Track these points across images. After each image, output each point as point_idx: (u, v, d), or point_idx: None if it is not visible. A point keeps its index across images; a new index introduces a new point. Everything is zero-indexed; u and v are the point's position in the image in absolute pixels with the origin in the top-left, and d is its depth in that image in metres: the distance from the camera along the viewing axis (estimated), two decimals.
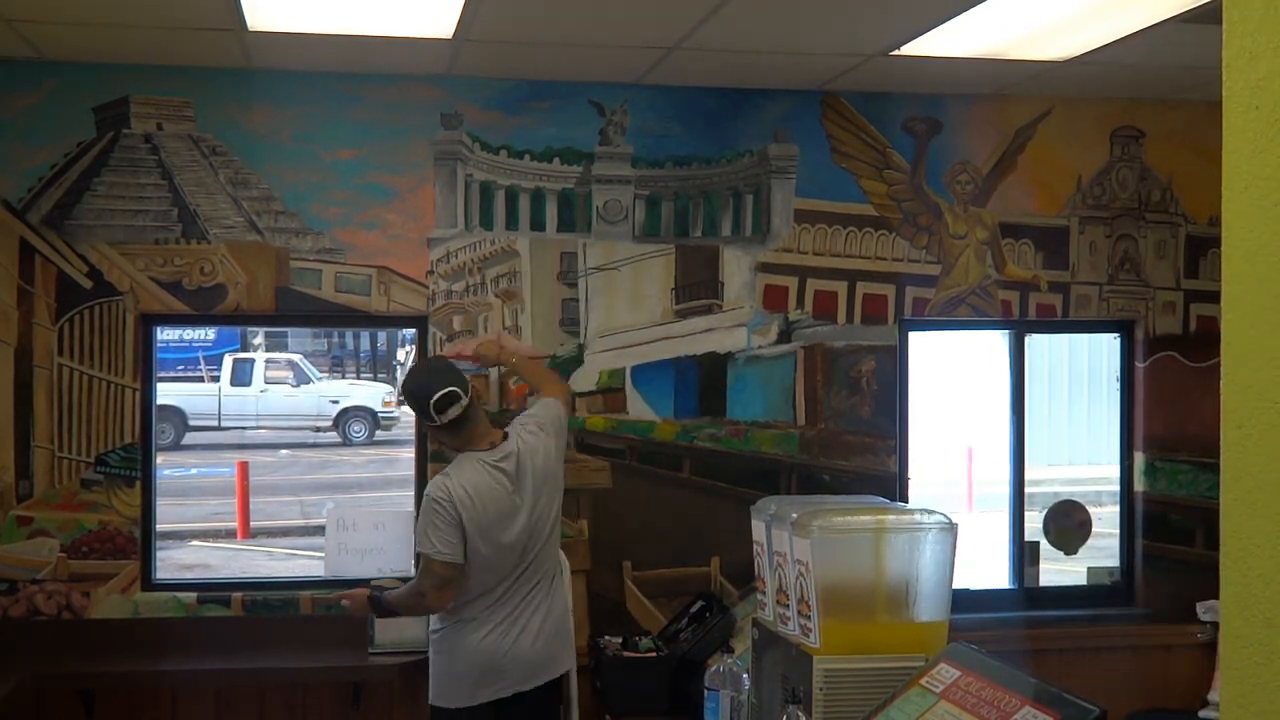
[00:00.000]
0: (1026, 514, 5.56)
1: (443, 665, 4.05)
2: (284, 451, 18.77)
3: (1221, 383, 1.36)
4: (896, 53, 4.58)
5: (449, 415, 3.94)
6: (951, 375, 11.99)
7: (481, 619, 3.97)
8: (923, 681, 2.69)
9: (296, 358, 21.98)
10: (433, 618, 4.11)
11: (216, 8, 4.07)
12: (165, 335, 14.93)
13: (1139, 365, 5.54)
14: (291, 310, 5.00)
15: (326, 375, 23.66)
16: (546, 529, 4.04)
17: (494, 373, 5.00)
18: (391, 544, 5.06)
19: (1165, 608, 5.45)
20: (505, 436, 4.08)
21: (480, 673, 3.97)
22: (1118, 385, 5.67)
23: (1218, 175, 1.36)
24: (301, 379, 20.87)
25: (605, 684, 4.53)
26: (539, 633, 4.00)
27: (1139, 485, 5.53)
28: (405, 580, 4.94)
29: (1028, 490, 5.59)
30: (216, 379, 20.83)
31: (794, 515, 3.18)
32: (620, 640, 4.65)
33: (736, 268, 5.21)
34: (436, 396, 3.92)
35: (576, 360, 5.12)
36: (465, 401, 3.96)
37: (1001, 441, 5.70)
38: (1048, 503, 5.92)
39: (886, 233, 5.31)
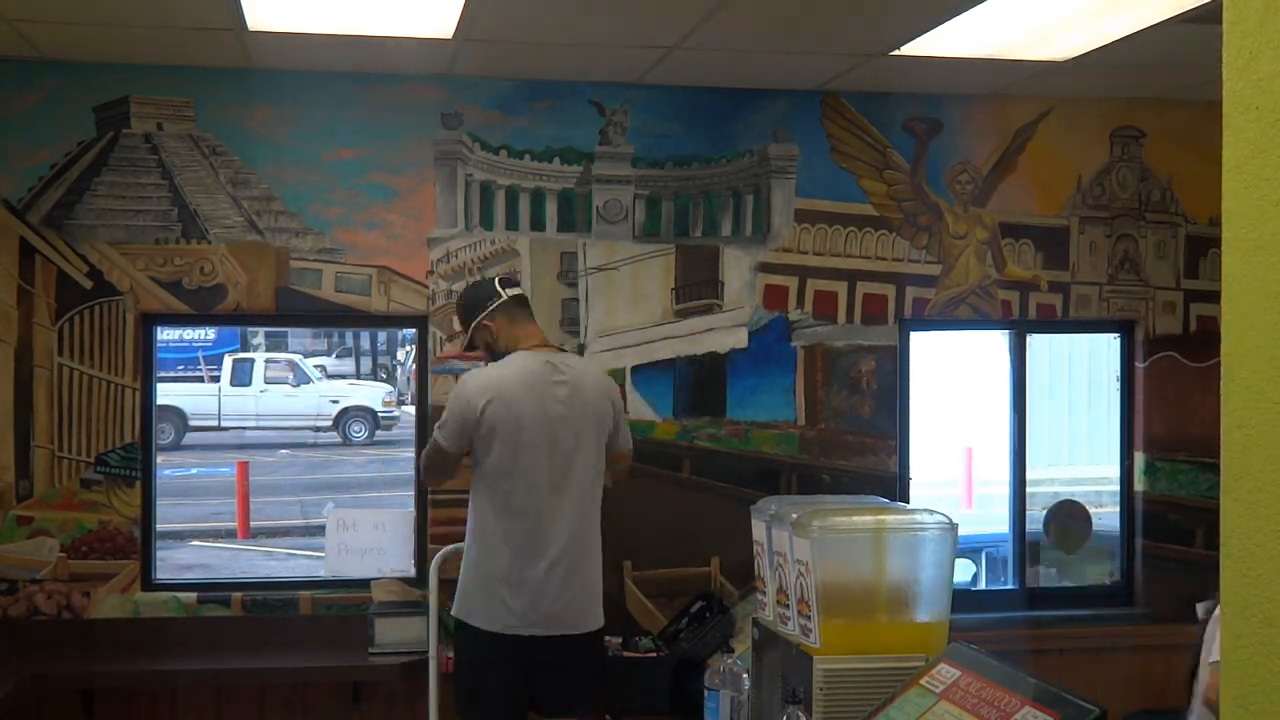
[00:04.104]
0: (1026, 514, 5.57)
1: (465, 573, 3.96)
2: (284, 451, 18.75)
3: (1221, 383, 1.35)
4: (896, 53, 4.58)
5: (518, 289, 4.06)
6: (951, 375, 11.98)
7: (504, 531, 3.88)
8: (923, 682, 2.68)
9: (296, 357, 21.96)
10: (467, 525, 4.00)
11: (216, 8, 4.07)
12: (165, 335, 14.92)
13: (1139, 365, 5.53)
14: (291, 310, 5.00)
15: (326, 372, 23.62)
16: (579, 453, 3.95)
17: None
18: (391, 544, 5.06)
19: (1165, 608, 5.44)
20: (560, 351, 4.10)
21: (491, 590, 3.86)
22: (1118, 385, 5.67)
23: (1218, 175, 1.36)
24: (301, 379, 20.85)
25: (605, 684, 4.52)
26: (553, 565, 3.89)
27: (1139, 485, 5.53)
28: (406, 580, 4.97)
29: (1028, 490, 5.60)
30: (216, 379, 20.81)
31: (794, 515, 3.18)
32: (620, 640, 4.65)
33: (736, 268, 5.20)
34: (499, 275, 4.13)
35: None
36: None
37: (1001, 441, 5.70)
38: (1048, 503, 5.92)
39: (886, 233, 5.31)
